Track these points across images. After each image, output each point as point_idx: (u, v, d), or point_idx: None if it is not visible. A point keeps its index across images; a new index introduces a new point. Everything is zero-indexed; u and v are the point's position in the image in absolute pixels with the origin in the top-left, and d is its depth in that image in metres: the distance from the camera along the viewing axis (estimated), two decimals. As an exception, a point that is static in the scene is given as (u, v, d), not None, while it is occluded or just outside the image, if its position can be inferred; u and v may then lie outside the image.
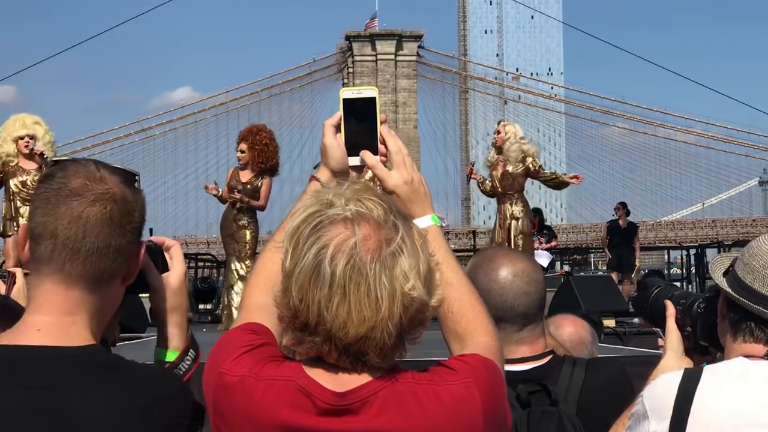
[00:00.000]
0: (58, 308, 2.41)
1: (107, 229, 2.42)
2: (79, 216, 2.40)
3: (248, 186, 14.47)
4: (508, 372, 3.57)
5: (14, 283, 4.71)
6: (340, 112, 2.82)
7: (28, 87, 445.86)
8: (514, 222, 15.47)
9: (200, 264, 28.57)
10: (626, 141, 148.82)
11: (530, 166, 15.37)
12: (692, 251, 27.28)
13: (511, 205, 15.53)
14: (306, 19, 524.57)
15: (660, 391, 3.11)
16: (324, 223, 2.30)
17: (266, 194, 14.68)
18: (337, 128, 2.81)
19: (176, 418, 2.38)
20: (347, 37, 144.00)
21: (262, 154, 14.54)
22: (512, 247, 15.16)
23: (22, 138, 13.72)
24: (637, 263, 22.76)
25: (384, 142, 2.80)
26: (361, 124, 2.80)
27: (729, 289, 3.16)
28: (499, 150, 15.41)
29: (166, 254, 2.76)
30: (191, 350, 2.71)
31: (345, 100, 2.83)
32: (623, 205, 23.84)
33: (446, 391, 2.33)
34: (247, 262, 14.59)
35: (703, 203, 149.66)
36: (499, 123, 16.06)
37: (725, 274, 3.25)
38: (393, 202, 2.42)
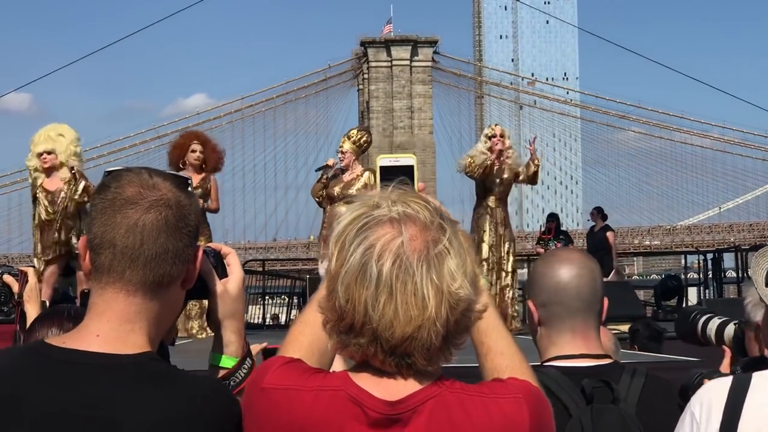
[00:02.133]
0: (119, 316, 2.47)
1: (164, 235, 2.47)
2: (135, 224, 2.44)
3: (199, 189, 14.36)
4: (572, 367, 3.62)
5: (27, 282, 4.73)
6: (377, 180, 2.81)
7: (43, 95, 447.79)
8: (505, 230, 15.39)
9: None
10: (642, 145, 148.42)
11: (521, 175, 15.38)
12: (709, 256, 27.08)
13: (503, 211, 15.46)
14: (321, 26, 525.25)
15: (709, 396, 3.09)
16: (370, 224, 2.30)
17: (217, 195, 14.84)
18: None
19: (221, 430, 2.42)
20: (362, 43, 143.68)
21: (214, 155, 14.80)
22: (502, 252, 15.17)
23: (41, 154, 13.57)
24: (613, 265, 22.00)
25: None
26: None
27: None
28: (499, 154, 15.14)
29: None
30: (248, 359, 2.73)
31: (382, 168, 2.82)
32: (598, 210, 23.46)
33: (495, 404, 2.32)
34: None
35: (720, 207, 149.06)
36: (495, 125, 15.73)
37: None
38: (438, 205, 2.42)
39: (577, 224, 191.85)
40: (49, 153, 13.50)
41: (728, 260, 29.68)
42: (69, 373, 2.39)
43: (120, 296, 2.47)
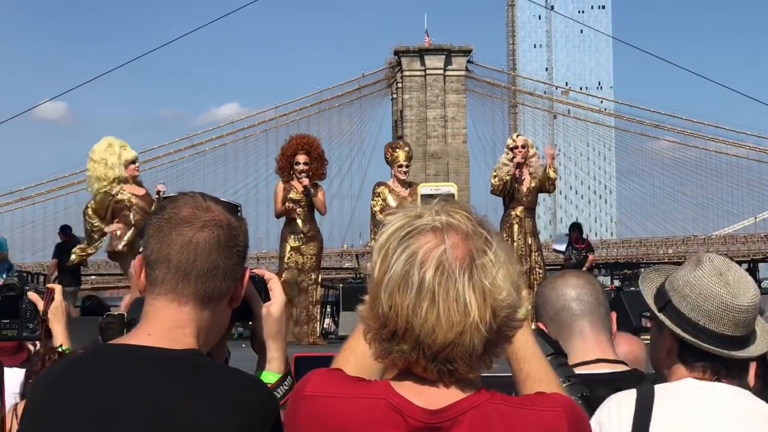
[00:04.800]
0: (170, 321, 2.63)
1: (215, 252, 2.64)
2: (189, 241, 2.63)
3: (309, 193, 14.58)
4: (588, 374, 3.67)
5: (53, 299, 4.75)
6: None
7: (79, 104, 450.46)
8: (533, 239, 15.29)
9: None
10: (676, 155, 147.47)
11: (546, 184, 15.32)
12: (744, 266, 26.95)
13: (531, 220, 15.37)
14: (355, 35, 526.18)
15: (618, 408, 3.20)
16: (413, 233, 2.34)
17: (324, 202, 14.93)
18: None
19: (261, 420, 2.52)
20: (396, 52, 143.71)
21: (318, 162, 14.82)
22: (531, 262, 15.04)
23: (133, 162, 13.76)
24: None
25: None
26: None
27: (685, 335, 3.31)
28: (520, 165, 15.11)
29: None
30: (289, 377, 2.89)
31: (423, 196, 2.87)
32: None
33: (535, 415, 2.35)
34: (312, 275, 14.66)
35: (755, 217, 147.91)
36: (517, 135, 15.75)
37: (661, 309, 3.41)
38: (481, 217, 2.45)
39: (611, 234, 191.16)
40: (137, 162, 13.78)
41: (764, 270, 29.54)
42: (119, 364, 2.57)
43: (172, 306, 2.64)
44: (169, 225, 2.66)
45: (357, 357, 2.61)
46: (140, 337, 2.63)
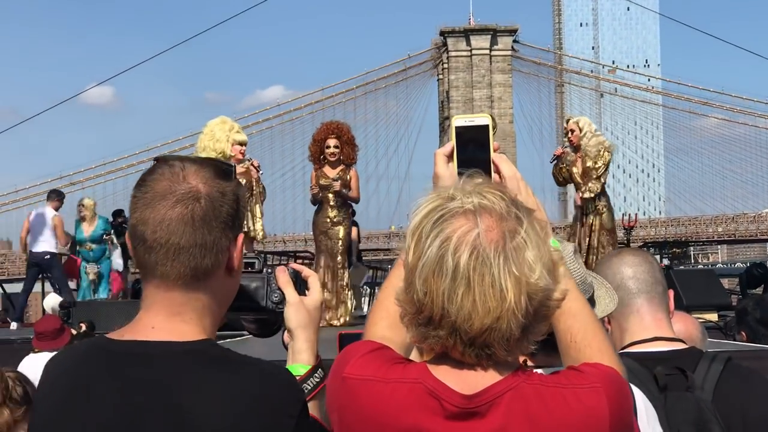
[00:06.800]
0: (165, 309, 2.51)
1: (190, 229, 2.48)
2: (162, 219, 2.47)
3: (339, 180, 14.60)
4: (646, 352, 3.66)
5: None
6: (453, 141, 2.78)
7: (125, 88, 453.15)
8: (596, 218, 15.18)
9: (299, 261, 28.67)
10: (725, 132, 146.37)
11: (606, 158, 15.10)
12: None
13: (594, 199, 15.22)
14: (400, 16, 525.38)
15: None
16: (446, 216, 2.29)
17: (357, 185, 14.92)
18: (449, 157, 2.77)
19: (283, 413, 2.42)
20: (442, 33, 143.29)
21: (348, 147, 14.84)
22: (595, 243, 14.98)
23: (242, 144, 13.83)
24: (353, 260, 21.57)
25: (498, 170, 2.75)
26: (474, 152, 2.76)
27: None
28: (576, 148, 15.10)
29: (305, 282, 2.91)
30: (320, 369, 2.78)
31: (457, 128, 2.79)
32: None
33: (574, 395, 2.30)
34: (340, 259, 14.73)
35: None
36: (568, 121, 15.56)
37: None
38: (514, 196, 2.41)
39: (660, 212, 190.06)
40: (245, 145, 13.82)
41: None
42: (130, 362, 2.45)
43: (160, 291, 2.51)
44: (144, 201, 2.51)
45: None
46: (144, 331, 2.52)
